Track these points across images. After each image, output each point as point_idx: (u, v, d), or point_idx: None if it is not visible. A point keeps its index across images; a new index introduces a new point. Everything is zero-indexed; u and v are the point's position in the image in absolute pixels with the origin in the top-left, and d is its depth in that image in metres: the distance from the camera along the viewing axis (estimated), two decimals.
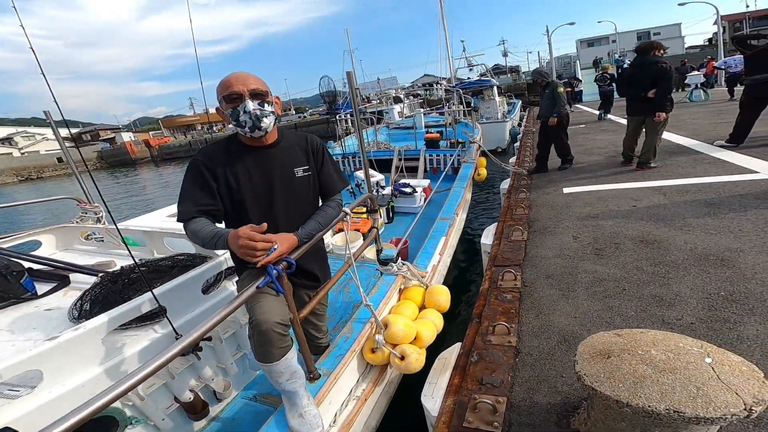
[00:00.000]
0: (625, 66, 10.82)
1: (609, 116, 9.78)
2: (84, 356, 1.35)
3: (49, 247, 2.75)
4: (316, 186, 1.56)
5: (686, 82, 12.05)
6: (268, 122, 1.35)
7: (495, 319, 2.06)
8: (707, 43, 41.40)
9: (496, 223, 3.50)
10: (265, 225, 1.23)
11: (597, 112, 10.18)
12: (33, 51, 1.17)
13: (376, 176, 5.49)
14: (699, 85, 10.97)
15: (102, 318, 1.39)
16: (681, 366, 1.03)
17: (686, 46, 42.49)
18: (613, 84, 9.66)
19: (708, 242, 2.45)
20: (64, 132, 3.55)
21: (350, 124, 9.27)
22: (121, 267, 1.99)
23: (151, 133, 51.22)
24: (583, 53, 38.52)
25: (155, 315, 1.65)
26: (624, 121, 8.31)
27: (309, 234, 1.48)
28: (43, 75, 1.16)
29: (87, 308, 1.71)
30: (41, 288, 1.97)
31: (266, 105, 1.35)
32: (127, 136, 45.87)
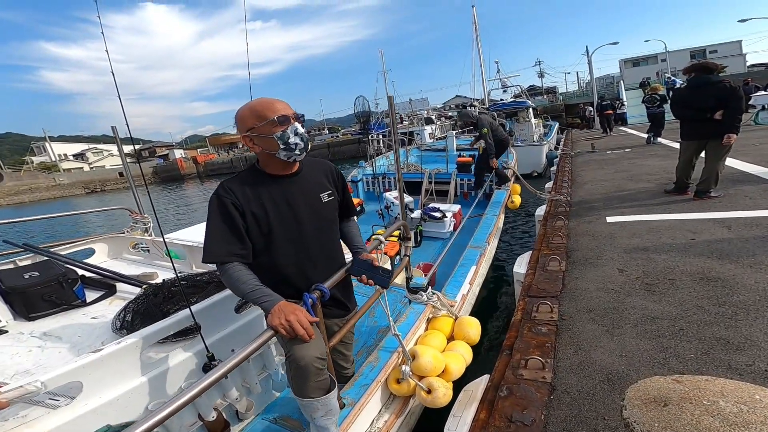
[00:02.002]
0: (678, 86, 10.23)
1: (659, 140, 9.21)
2: (121, 369, 1.39)
3: (102, 255, 2.95)
4: (337, 208, 1.58)
5: (750, 102, 11.14)
6: (309, 146, 1.38)
7: (528, 353, 1.95)
8: None
9: (530, 252, 3.34)
10: (317, 319, 1.25)
11: (645, 136, 9.65)
12: (113, 75, 1.27)
13: (405, 198, 5.47)
14: (766, 107, 10.07)
15: (142, 333, 1.43)
16: (757, 421, 0.89)
17: (748, 64, 39.75)
18: (664, 105, 9.15)
19: None
20: (127, 148, 3.89)
21: (382, 145, 9.38)
22: (163, 280, 2.08)
23: (198, 150, 54.93)
24: (628, 73, 37.05)
25: (190, 331, 1.70)
26: (676, 145, 7.84)
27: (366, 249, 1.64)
28: (119, 98, 1.25)
29: (129, 319, 1.79)
30: (90, 295, 2.09)
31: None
32: (178, 153, 49.53)
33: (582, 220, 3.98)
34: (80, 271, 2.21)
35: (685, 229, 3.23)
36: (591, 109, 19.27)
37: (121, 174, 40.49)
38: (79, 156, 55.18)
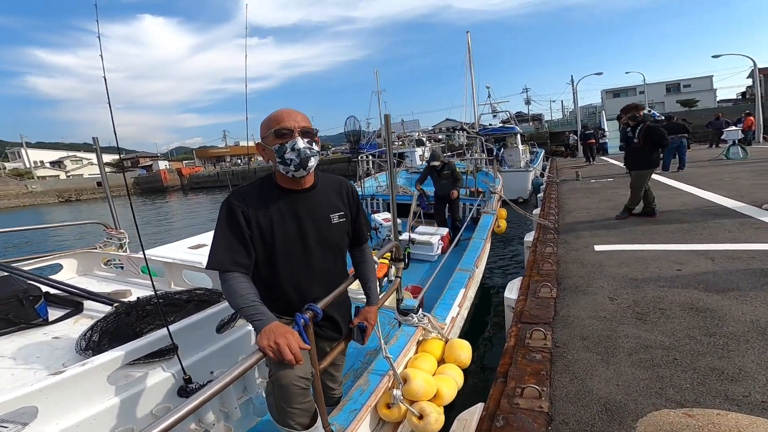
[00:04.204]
0: (658, 117, 10.72)
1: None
2: (84, 393, 1.26)
3: (70, 272, 2.77)
4: (348, 232, 1.50)
5: (723, 138, 11.73)
6: (313, 162, 1.30)
7: (523, 381, 1.88)
8: (740, 96, 41.18)
9: (520, 278, 3.32)
10: (308, 347, 1.19)
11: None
12: (105, 83, 1.24)
13: None
14: (736, 142, 10.56)
15: (111, 354, 1.31)
16: None
17: (718, 99, 42.40)
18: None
19: None
20: (108, 158, 3.75)
21: (371, 166, 9.39)
22: (138, 298, 1.94)
23: (184, 162, 54.11)
24: (609, 104, 38.92)
25: (165, 352, 1.57)
26: (658, 178, 8.15)
27: (377, 297, 1.59)
28: (110, 106, 1.22)
29: (95, 339, 1.64)
30: (54, 314, 1.93)
31: (314, 144, 1.31)
32: (163, 164, 48.62)
33: (570, 248, 4.01)
34: (45, 288, 2.04)
35: (671, 260, 3.29)
36: (575, 137, 20.04)
37: (99, 183, 39.28)
38: (57, 163, 53.48)
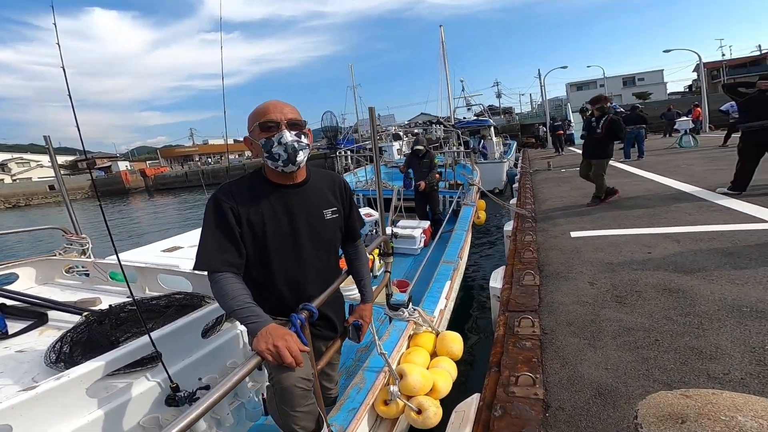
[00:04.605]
0: (618, 110, 11.26)
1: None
2: (63, 408, 1.15)
3: (28, 281, 2.54)
4: (341, 227, 1.46)
5: (675, 127, 12.51)
6: (303, 156, 1.24)
7: (516, 369, 1.90)
8: (687, 89, 44.03)
9: (503, 267, 3.38)
10: (308, 348, 1.14)
11: None
12: (66, 81, 1.16)
13: (374, 215, 5.40)
14: (688, 131, 11.29)
15: (89, 366, 1.20)
16: None
17: (668, 92, 45.16)
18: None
19: (737, 293, 2.35)
20: (60, 159, 3.45)
21: (350, 161, 9.28)
22: (110, 305, 1.80)
23: (148, 162, 51.43)
24: (573, 96, 40.55)
25: (148, 360, 1.46)
26: (621, 165, 8.59)
27: (371, 294, 1.58)
28: (72, 106, 1.15)
29: (67, 351, 1.51)
30: (14, 326, 1.75)
31: (302, 137, 1.25)
32: (123, 165, 45.92)
33: (548, 235, 4.12)
34: (0, 300, 1.86)
35: (641, 243, 3.44)
36: (544, 128, 20.67)
37: (51, 187, 36.53)
38: (1, 167, 49.19)
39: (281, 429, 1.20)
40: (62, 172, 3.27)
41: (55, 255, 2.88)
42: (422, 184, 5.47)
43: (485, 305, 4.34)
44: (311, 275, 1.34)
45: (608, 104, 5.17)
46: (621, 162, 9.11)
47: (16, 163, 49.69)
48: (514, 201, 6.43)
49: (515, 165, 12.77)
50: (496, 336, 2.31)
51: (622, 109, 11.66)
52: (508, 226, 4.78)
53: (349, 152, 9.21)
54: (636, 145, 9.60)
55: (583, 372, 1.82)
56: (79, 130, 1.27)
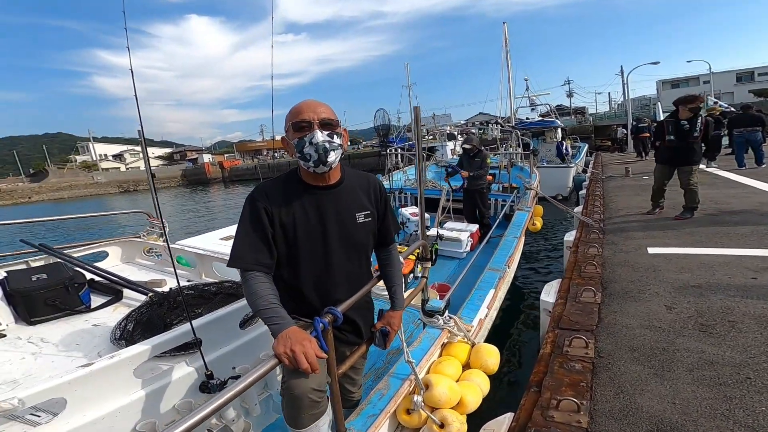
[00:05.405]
0: (726, 108, 9.61)
1: (714, 165, 8.56)
2: (112, 386, 1.30)
3: (114, 259, 2.94)
4: (374, 231, 1.43)
5: None
6: (334, 157, 1.22)
7: (560, 392, 1.76)
8: None
9: (559, 280, 3.11)
10: (325, 355, 1.13)
11: None
12: (134, 82, 1.30)
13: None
14: None
15: (138, 348, 1.35)
16: None
17: None
18: (720, 129, 8.67)
19: None
20: (161, 151, 3.92)
21: (400, 159, 9.26)
22: (170, 288, 2.01)
23: (225, 155, 56.87)
24: (666, 95, 35.82)
25: (191, 345, 1.60)
26: (724, 174, 7.35)
27: (402, 302, 1.55)
28: (137, 101, 1.29)
29: (129, 329, 1.72)
30: (96, 301, 2.04)
31: (335, 137, 1.23)
32: (207, 158, 51.38)
33: (618, 249, 3.70)
34: (89, 275, 2.17)
35: (744, 267, 2.92)
36: (624, 130, 18.56)
37: (153, 175, 42.08)
38: (118, 156, 58.44)
39: (288, 424, 1.23)
40: (160, 162, 3.70)
41: (139, 237, 3.25)
42: (465, 172, 5.23)
43: (533, 321, 4.04)
44: (340, 279, 1.33)
45: (701, 103, 4.51)
46: (731, 170, 7.78)
47: (130, 154, 58.49)
48: (579, 209, 5.88)
49: (584, 170, 11.67)
50: (541, 354, 2.16)
51: (732, 109, 9.93)
52: (570, 236, 4.40)
53: (399, 150, 9.19)
54: (750, 151, 8.04)
55: (642, 404, 1.63)
56: (141, 125, 1.43)
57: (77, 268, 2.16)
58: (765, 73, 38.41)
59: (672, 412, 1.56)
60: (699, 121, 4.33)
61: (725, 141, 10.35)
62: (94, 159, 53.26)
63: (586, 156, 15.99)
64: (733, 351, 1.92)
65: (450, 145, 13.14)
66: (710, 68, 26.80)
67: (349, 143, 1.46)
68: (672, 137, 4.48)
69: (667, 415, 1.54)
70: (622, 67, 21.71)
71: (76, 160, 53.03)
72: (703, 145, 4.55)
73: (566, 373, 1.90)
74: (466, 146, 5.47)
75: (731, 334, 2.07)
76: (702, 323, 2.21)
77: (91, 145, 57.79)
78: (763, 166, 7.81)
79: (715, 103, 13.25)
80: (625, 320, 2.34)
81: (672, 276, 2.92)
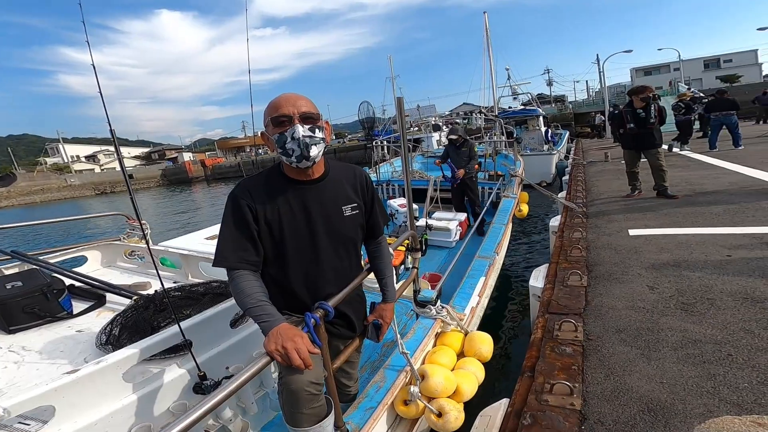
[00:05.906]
0: (697, 95, 9.97)
1: (686, 149, 8.89)
2: (101, 391, 1.26)
3: (94, 263, 2.83)
4: (363, 224, 1.41)
5: None
6: (316, 151, 1.20)
7: (553, 376, 1.79)
8: None
9: (546, 265, 3.16)
10: (318, 351, 1.12)
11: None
12: (97, 77, 1.24)
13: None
14: None
15: (125, 352, 1.31)
16: None
17: (764, 73, 39.54)
18: (690, 114, 8.94)
19: None
20: (138, 151, 3.78)
21: (386, 151, 9.25)
22: (155, 291, 1.95)
23: (207, 153, 55.46)
24: (639, 82, 36.90)
25: (181, 347, 1.56)
26: (698, 156, 7.61)
27: (394, 294, 1.54)
28: (102, 99, 1.21)
29: (115, 334, 1.66)
30: (78, 306, 1.97)
31: (317, 131, 1.21)
32: (187, 156, 49.99)
33: (601, 232, 3.79)
34: (68, 281, 2.09)
35: (719, 245, 3.03)
36: (602, 117, 18.97)
37: (131, 176, 40.82)
38: (91, 158, 56.13)
39: (288, 423, 1.21)
40: (138, 162, 3.58)
41: (119, 239, 3.15)
42: (461, 171, 5.29)
43: (523, 306, 4.12)
44: (329, 274, 1.32)
45: (651, 93, 4.87)
46: (704, 153, 8.07)
47: (104, 154, 56.25)
48: (563, 194, 5.99)
49: (566, 156, 11.89)
50: (532, 339, 2.19)
51: (702, 95, 10.28)
52: (555, 222, 4.48)
53: (385, 142, 9.17)
54: (727, 133, 8.38)
55: (632, 384, 1.67)
56: (109, 123, 1.35)
57: (55, 274, 2.07)
58: (729, 60, 40.07)
59: (660, 391, 1.61)
60: (653, 108, 4.68)
61: (696, 125, 10.74)
62: (66, 161, 51.07)
63: (567, 143, 16.30)
64: (713, 328, 1.99)
65: (435, 135, 13.16)
66: (680, 56, 27.75)
67: (333, 137, 1.42)
68: (632, 125, 4.84)
69: (656, 394, 1.59)
70: (598, 55, 22.29)
71: (46, 163, 50.70)
72: (678, 130, 4.87)
73: (558, 357, 1.94)
74: (452, 137, 5.48)
75: (711, 311, 2.14)
76: (683, 302, 2.28)
77: (61, 146, 55.27)
78: (740, 147, 8.10)
79: (688, 89, 13.67)
80: (611, 302, 2.40)
81: (652, 257, 3.00)
